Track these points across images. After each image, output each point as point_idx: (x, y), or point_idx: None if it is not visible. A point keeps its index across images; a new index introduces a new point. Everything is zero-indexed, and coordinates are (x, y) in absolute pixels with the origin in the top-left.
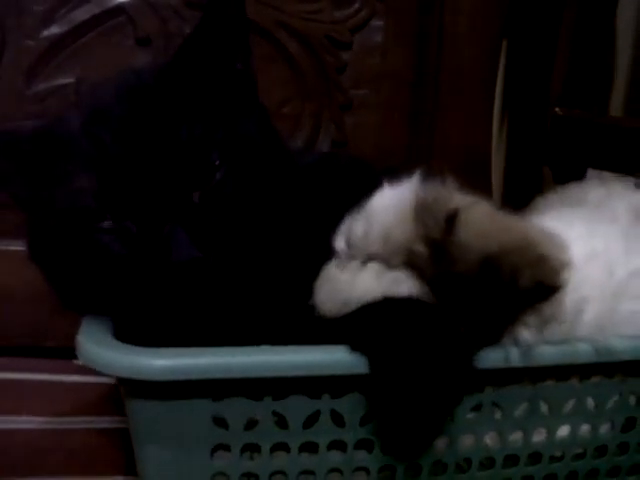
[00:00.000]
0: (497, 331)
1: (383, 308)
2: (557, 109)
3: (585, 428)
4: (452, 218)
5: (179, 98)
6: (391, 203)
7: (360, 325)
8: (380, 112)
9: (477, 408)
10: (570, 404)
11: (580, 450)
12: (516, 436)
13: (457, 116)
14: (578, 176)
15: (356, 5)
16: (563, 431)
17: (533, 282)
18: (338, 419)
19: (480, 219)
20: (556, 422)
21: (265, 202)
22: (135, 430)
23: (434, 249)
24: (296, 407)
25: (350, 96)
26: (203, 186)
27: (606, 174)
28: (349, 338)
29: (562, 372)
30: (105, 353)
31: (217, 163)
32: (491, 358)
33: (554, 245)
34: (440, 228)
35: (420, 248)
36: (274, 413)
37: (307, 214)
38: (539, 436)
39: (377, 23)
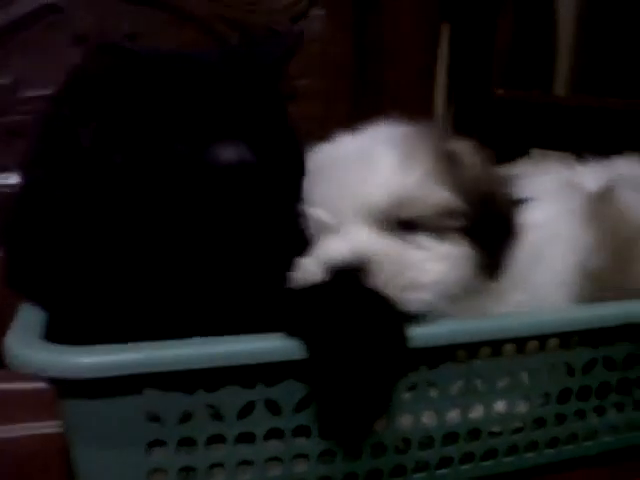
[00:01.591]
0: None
1: (316, 292)
2: (499, 90)
3: (521, 402)
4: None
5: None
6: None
7: (295, 311)
8: (324, 101)
9: (413, 388)
10: (505, 379)
11: (519, 424)
12: (454, 414)
13: (400, 102)
14: (521, 156)
15: None
16: (500, 406)
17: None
18: (274, 407)
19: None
20: (492, 398)
21: None
22: (69, 432)
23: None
24: (230, 398)
25: (294, 86)
26: None
27: (550, 153)
28: (285, 324)
29: (495, 347)
30: (28, 353)
31: None
32: (424, 336)
33: None
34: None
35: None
36: (209, 405)
37: None
38: (476, 413)
39: (318, 12)
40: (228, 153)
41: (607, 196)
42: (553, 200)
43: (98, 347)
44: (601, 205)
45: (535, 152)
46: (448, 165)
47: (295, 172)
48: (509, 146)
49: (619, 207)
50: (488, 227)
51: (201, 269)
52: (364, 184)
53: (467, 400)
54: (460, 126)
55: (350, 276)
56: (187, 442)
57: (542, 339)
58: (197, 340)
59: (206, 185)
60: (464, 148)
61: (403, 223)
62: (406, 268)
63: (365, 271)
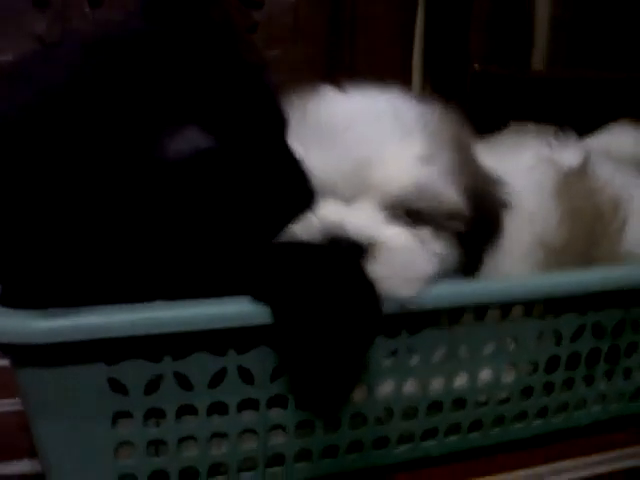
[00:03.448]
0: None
1: (282, 254)
2: (476, 65)
3: (508, 370)
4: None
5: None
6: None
7: (260, 272)
8: (294, 73)
9: (393, 354)
10: (490, 346)
11: (505, 394)
12: (437, 382)
13: (374, 75)
14: (499, 130)
15: None
16: (485, 375)
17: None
18: (247, 376)
19: None
20: (477, 365)
21: None
22: (27, 404)
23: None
24: (199, 366)
25: (265, 56)
26: None
27: (528, 126)
28: (251, 287)
29: (479, 312)
30: None
31: None
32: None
33: None
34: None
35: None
36: (177, 374)
37: None
38: (461, 381)
39: None
40: (178, 144)
41: (581, 171)
42: (525, 175)
43: (52, 310)
44: (574, 180)
45: (514, 126)
46: (464, 161)
47: (275, 138)
48: (487, 120)
49: (593, 182)
50: (477, 230)
51: (162, 238)
52: (385, 165)
53: (451, 368)
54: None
55: (346, 249)
56: (156, 414)
57: (528, 305)
58: (157, 304)
59: (162, 187)
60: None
61: (410, 213)
62: (408, 260)
63: (366, 252)
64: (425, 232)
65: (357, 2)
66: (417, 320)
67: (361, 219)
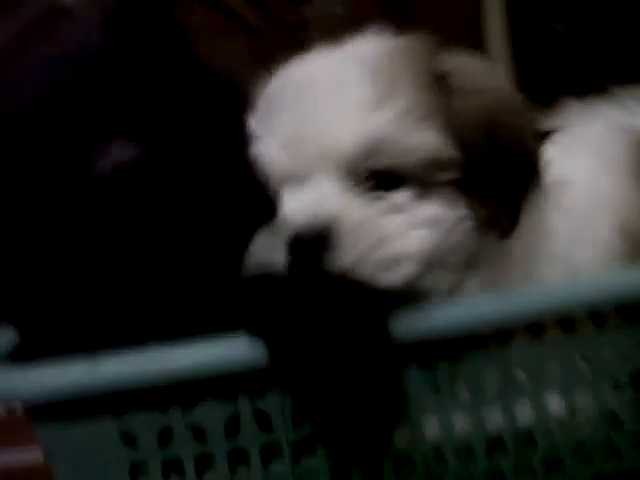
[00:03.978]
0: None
1: (274, 282)
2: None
3: (582, 394)
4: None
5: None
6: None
7: (251, 308)
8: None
9: (434, 386)
10: (554, 366)
11: (583, 422)
12: (494, 415)
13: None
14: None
15: None
16: (554, 401)
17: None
18: (266, 422)
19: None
20: (540, 391)
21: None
22: (48, 458)
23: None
24: (209, 413)
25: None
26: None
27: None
28: (245, 320)
29: (534, 329)
30: None
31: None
32: (429, 322)
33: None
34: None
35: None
36: (189, 423)
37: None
38: (523, 411)
39: None
40: (104, 161)
41: None
42: (594, 153)
43: (38, 364)
44: None
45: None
46: (438, 93)
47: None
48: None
49: None
50: (495, 171)
51: (129, 276)
52: (328, 123)
53: (508, 396)
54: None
55: (312, 253)
56: (175, 468)
57: (597, 314)
58: (146, 354)
59: (93, 205)
60: (463, 66)
61: (378, 175)
62: (382, 239)
63: (330, 243)
64: (405, 195)
65: None
66: (457, 345)
67: (314, 201)
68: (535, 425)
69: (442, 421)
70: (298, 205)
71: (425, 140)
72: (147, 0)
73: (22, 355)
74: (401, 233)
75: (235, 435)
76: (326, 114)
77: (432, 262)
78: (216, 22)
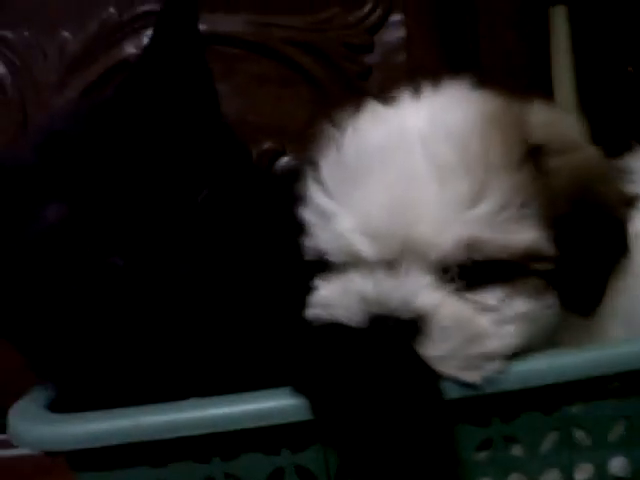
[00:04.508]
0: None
1: (326, 337)
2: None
3: None
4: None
5: (139, 112)
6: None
7: (301, 360)
8: None
9: (487, 445)
10: (619, 428)
11: None
12: (552, 475)
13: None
14: None
15: (369, 4)
16: (617, 463)
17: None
18: (308, 476)
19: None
20: (603, 453)
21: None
22: None
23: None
24: (251, 466)
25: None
26: (187, 204)
27: None
28: (292, 377)
29: (596, 387)
30: (22, 425)
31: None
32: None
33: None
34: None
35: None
36: (229, 475)
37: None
38: (584, 474)
39: (396, 18)
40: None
41: None
42: None
43: (89, 415)
44: None
45: None
46: (534, 173)
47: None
48: None
49: None
50: (585, 250)
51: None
52: (423, 215)
53: (566, 458)
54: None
55: (393, 329)
56: None
57: None
58: (187, 403)
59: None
60: (552, 131)
61: (470, 269)
62: (474, 337)
63: (416, 329)
64: (494, 292)
65: (479, 26)
66: (512, 402)
67: (405, 289)
68: None
69: None
70: (383, 287)
71: (521, 236)
72: (169, 56)
73: (61, 407)
74: (492, 332)
75: None
76: (420, 204)
77: (513, 351)
78: (278, 73)
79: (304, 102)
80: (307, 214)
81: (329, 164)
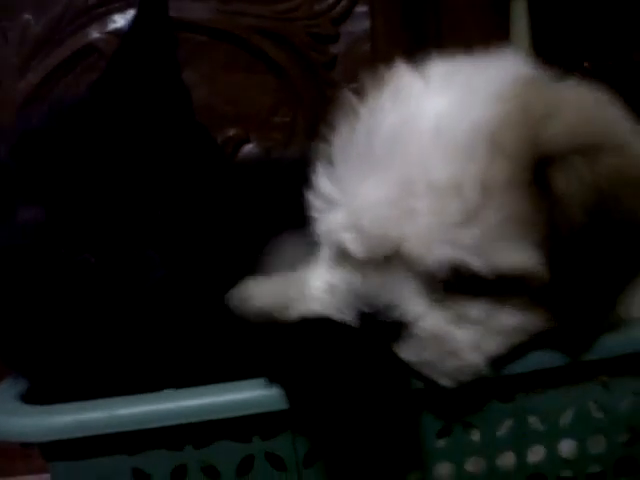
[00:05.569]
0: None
1: (300, 329)
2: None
3: (596, 439)
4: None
5: (114, 113)
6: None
7: (274, 352)
8: None
9: (447, 432)
10: (569, 413)
11: (597, 467)
12: (507, 459)
13: None
14: None
15: None
16: (567, 446)
17: None
18: (277, 462)
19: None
20: (555, 437)
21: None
22: None
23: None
24: (224, 454)
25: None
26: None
27: None
28: (266, 369)
29: (549, 377)
30: None
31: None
32: None
33: None
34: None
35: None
36: (202, 462)
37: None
38: (536, 456)
39: (362, 9)
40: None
41: None
42: None
43: (63, 407)
44: None
45: None
46: (539, 194)
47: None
48: None
49: None
50: (593, 266)
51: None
52: (415, 227)
53: (520, 441)
54: None
55: (377, 331)
56: None
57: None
58: (162, 394)
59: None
60: (579, 131)
61: (456, 282)
62: (452, 350)
63: (401, 337)
64: (476, 307)
65: (442, 18)
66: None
67: (390, 293)
68: (546, 467)
69: (452, 465)
70: (373, 286)
71: (511, 259)
72: (142, 56)
73: (34, 399)
74: (472, 346)
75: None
76: (412, 215)
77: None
78: (243, 61)
79: (269, 90)
80: (312, 197)
81: (341, 146)
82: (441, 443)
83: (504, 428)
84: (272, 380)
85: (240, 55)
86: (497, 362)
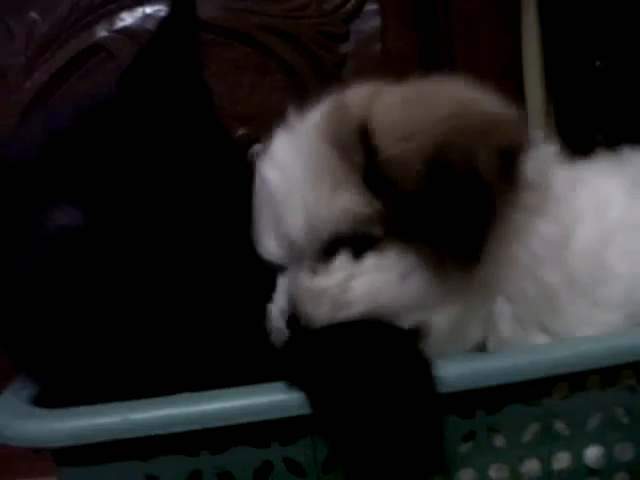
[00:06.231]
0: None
1: (326, 334)
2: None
3: (623, 446)
4: (365, 131)
5: (143, 113)
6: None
7: (296, 356)
8: None
9: (471, 437)
10: (596, 418)
11: (623, 475)
12: (531, 465)
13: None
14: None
15: None
16: (594, 453)
17: (494, 155)
18: (296, 468)
19: (395, 115)
20: (581, 443)
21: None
22: None
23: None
24: (241, 459)
25: None
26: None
27: None
28: (287, 372)
29: (576, 378)
30: (6, 420)
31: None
32: (469, 375)
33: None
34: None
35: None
36: (218, 469)
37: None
38: (562, 462)
39: (372, 7)
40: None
41: None
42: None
43: (77, 411)
44: None
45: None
46: (362, 153)
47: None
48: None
49: None
50: (440, 208)
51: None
52: (285, 220)
53: (546, 448)
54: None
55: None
56: None
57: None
58: (178, 398)
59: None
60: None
61: (325, 247)
62: (324, 295)
63: (297, 313)
64: (343, 258)
65: (452, 17)
66: (496, 395)
67: (284, 286)
68: (572, 475)
69: (476, 470)
70: (281, 288)
71: (343, 204)
72: (168, 56)
73: (45, 402)
74: (340, 286)
75: None
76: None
77: (384, 304)
78: (253, 60)
79: (279, 89)
80: None
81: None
82: (465, 448)
83: (529, 434)
84: (292, 384)
85: (249, 54)
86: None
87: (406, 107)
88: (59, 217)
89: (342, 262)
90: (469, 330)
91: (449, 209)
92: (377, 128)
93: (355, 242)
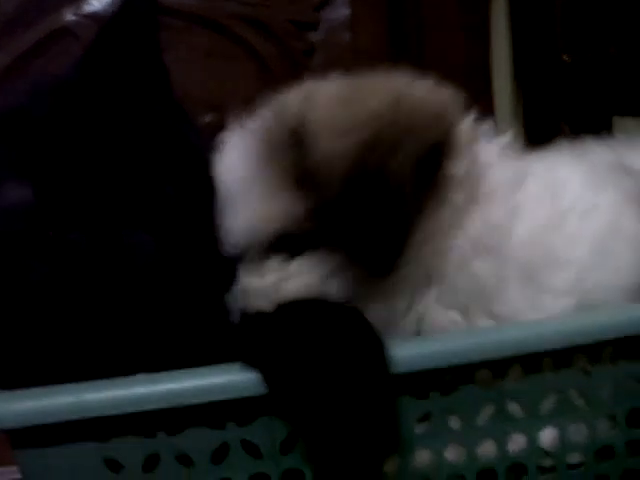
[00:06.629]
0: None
1: (279, 313)
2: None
3: (577, 428)
4: (299, 131)
5: (100, 93)
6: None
7: (250, 335)
8: None
9: (426, 418)
10: (550, 400)
11: (577, 457)
12: (487, 447)
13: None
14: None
15: None
16: (548, 435)
17: (412, 155)
18: (253, 449)
19: (328, 114)
20: (535, 425)
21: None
22: None
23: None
24: (197, 441)
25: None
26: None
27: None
28: (242, 353)
29: (530, 361)
30: None
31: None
32: (423, 355)
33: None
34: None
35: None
36: (175, 450)
37: None
38: (516, 444)
39: None
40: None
41: None
42: (606, 183)
43: (30, 392)
44: None
45: (619, 121)
46: (294, 152)
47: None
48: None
49: None
50: (353, 213)
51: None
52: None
53: (501, 429)
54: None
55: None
56: None
57: (593, 348)
58: (133, 379)
59: None
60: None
61: (265, 247)
62: (261, 294)
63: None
64: (272, 261)
65: (422, 8)
66: (450, 377)
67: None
68: (526, 457)
69: (431, 451)
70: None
71: (277, 206)
72: (127, 38)
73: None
74: (276, 286)
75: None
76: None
77: None
78: (222, 47)
79: (248, 77)
80: None
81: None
82: (420, 429)
83: (485, 416)
84: (248, 364)
85: (219, 41)
86: None
87: (340, 105)
88: (7, 195)
89: (275, 263)
90: (403, 325)
91: (360, 215)
92: (310, 128)
93: (289, 243)
